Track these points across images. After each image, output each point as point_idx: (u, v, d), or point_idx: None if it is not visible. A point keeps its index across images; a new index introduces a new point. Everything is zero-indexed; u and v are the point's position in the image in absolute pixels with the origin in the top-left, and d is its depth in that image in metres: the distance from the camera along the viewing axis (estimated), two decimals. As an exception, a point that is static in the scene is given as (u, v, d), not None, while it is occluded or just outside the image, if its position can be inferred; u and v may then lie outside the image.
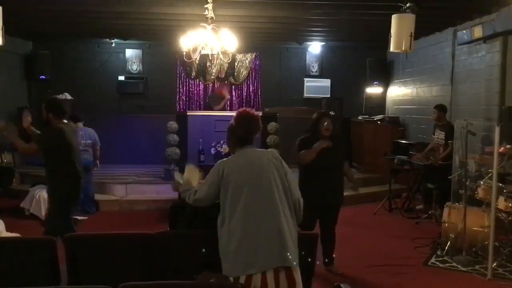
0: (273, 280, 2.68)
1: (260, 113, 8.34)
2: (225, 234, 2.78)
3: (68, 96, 9.73)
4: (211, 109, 9.34)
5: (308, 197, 4.40)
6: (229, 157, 2.99)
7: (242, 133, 2.92)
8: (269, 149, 3.02)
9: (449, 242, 5.28)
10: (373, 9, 6.65)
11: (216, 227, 2.87)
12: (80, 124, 7.05)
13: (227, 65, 10.14)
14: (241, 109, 3.05)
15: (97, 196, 7.41)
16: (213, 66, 10.24)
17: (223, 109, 10.01)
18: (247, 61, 10.77)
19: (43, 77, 10.11)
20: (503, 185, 5.02)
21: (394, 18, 5.26)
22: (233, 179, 2.79)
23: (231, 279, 2.70)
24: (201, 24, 6.12)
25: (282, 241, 2.72)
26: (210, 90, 10.88)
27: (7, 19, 5.11)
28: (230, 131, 2.97)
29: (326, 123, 4.65)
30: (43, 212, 6.65)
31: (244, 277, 2.66)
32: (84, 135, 6.95)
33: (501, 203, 4.88)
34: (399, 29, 5.21)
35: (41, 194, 6.77)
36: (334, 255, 4.80)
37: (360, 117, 10.07)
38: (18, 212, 6.90)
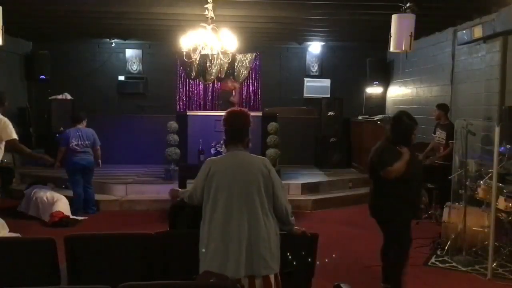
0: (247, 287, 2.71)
1: (260, 113, 8.37)
2: (204, 235, 2.81)
3: (68, 96, 9.73)
4: (230, 104, 9.20)
5: (401, 211, 4.10)
6: (219, 156, 3.05)
7: (229, 127, 2.97)
8: (261, 156, 3.03)
9: (449, 242, 5.28)
10: (373, 9, 6.65)
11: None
12: (81, 125, 7.05)
13: (227, 65, 10.13)
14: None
15: (97, 196, 7.39)
16: (213, 66, 10.23)
17: (240, 100, 9.95)
18: (247, 61, 10.77)
19: (43, 77, 10.11)
20: (503, 185, 5.02)
21: (394, 18, 5.26)
22: (216, 181, 2.83)
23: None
24: (201, 24, 6.12)
25: (258, 250, 2.74)
26: (210, 90, 10.88)
27: (7, 19, 5.11)
28: (224, 130, 3.02)
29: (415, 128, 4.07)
30: (41, 213, 6.65)
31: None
32: (82, 136, 6.95)
33: (501, 203, 4.88)
34: (399, 29, 5.21)
35: (38, 195, 6.76)
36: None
37: (360, 117, 10.06)
38: (18, 212, 6.90)
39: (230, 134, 2.97)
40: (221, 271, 2.70)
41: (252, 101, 10.91)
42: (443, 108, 7.09)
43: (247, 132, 2.98)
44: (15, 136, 5.37)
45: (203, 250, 2.78)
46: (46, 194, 6.78)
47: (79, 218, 6.73)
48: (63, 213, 6.57)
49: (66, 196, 6.94)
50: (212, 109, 10.56)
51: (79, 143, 6.90)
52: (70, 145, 6.85)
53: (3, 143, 5.31)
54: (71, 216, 6.66)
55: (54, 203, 6.64)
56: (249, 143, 3.00)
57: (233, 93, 9.55)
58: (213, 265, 2.73)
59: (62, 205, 6.70)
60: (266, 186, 2.83)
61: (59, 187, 7.63)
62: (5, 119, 5.37)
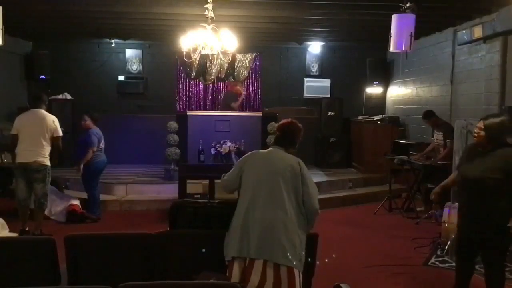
0: (260, 272, 2.77)
1: (260, 113, 8.37)
2: (234, 218, 2.96)
3: (68, 96, 9.72)
4: (229, 108, 9.20)
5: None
6: (258, 150, 3.26)
7: (280, 133, 3.24)
8: (296, 157, 3.14)
9: (449, 242, 5.28)
10: (373, 9, 6.65)
11: (216, 228, 3.04)
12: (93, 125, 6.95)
13: (227, 65, 10.14)
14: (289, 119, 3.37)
15: (98, 196, 7.41)
16: (213, 66, 10.23)
17: (241, 106, 9.96)
18: (247, 61, 10.77)
19: (43, 77, 10.10)
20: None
21: (394, 18, 5.26)
22: (246, 170, 3.03)
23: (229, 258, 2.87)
24: (201, 24, 6.12)
25: (279, 237, 2.80)
26: (210, 90, 10.88)
27: (7, 19, 5.11)
28: (275, 135, 3.30)
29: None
30: (50, 209, 6.67)
31: (231, 259, 2.85)
32: (103, 136, 6.93)
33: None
34: (399, 29, 5.21)
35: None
36: None
37: (360, 117, 10.07)
38: (18, 212, 6.88)
39: (278, 138, 3.21)
40: (238, 250, 2.82)
41: (252, 101, 10.91)
42: (429, 115, 7.08)
43: (294, 143, 3.20)
44: (61, 133, 5.94)
45: (230, 229, 2.94)
46: (56, 193, 6.82)
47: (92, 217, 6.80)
48: (80, 209, 6.71)
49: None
50: (212, 109, 10.57)
51: (103, 142, 6.91)
52: (100, 144, 6.78)
53: (50, 139, 5.81)
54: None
55: (70, 199, 6.80)
56: (291, 153, 3.15)
57: (238, 98, 9.53)
58: (234, 246, 2.84)
59: (76, 202, 6.81)
60: (295, 181, 2.95)
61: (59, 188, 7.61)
62: (54, 117, 5.93)
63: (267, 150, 3.20)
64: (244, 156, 3.20)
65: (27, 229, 5.93)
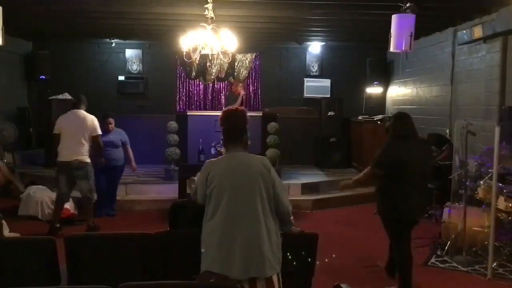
0: None
1: (260, 113, 8.36)
2: (205, 235, 2.78)
3: (68, 96, 9.69)
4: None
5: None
6: (218, 158, 3.01)
7: (226, 126, 2.99)
8: (259, 155, 2.99)
9: (449, 242, 5.28)
10: (373, 9, 6.65)
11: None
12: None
13: (227, 65, 10.13)
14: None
15: (97, 196, 7.39)
16: (213, 66, 10.23)
17: (242, 106, 9.98)
18: (247, 61, 10.76)
19: (43, 77, 10.11)
20: (503, 185, 5.02)
21: (394, 18, 5.26)
22: (217, 182, 2.78)
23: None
24: (201, 24, 6.12)
25: (261, 251, 2.69)
26: (210, 90, 10.89)
27: (7, 19, 5.10)
28: (221, 130, 3.03)
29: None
30: (43, 213, 6.65)
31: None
32: None
33: (501, 203, 4.88)
34: (399, 29, 5.21)
35: (39, 195, 6.72)
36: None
37: (360, 117, 10.07)
38: (18, 212, 6.89)
39: (227, 134, 2.98)
40: (222, 273, 2.67)
41: (252, 101, 10.91)
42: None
43: (245, 130, 2.97)
44: (100, 131, 6.22)
45: (203, 250, 2.77)
46: (48, 194, 6.77)
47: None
48: (70, 211, 6.64)
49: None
50: (212, 109, 10.57)
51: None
52: None
53: (90, 138, 6.08)
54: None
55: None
56: (247, 142, 2.98)
57: (237, 99, 9.53)
58: (214, 266, 2.70)
59: (67, 206, 6.72)
60: (266, 186, 2.79)
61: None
62: (93, 116, 6.21)
63: (227, 156, 2.93)
64: (203, 169, 2.88)
65: (57, 225, 6.05)
